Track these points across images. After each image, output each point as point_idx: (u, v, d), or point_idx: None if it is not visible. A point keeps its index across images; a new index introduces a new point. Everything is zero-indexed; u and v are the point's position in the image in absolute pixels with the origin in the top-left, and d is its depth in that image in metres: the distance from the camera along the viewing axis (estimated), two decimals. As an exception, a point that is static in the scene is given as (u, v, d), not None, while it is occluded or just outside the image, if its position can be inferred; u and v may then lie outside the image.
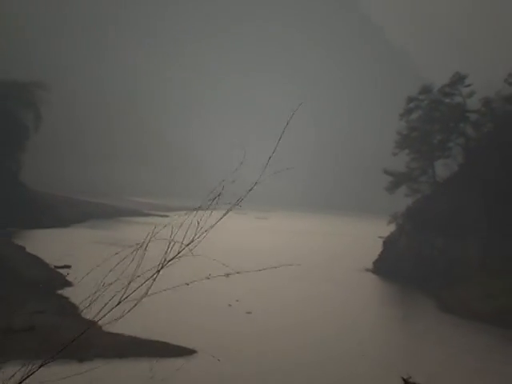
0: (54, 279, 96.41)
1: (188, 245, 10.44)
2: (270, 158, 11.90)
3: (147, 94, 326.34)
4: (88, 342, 56.72)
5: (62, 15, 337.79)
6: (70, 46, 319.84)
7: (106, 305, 10.15)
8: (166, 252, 10.49)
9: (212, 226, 10.61)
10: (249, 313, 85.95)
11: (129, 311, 10.37)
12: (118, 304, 10.53)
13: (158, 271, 10.63)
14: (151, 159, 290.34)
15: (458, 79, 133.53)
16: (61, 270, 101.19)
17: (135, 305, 10.30)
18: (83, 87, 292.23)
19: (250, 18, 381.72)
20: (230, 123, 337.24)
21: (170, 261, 10.61)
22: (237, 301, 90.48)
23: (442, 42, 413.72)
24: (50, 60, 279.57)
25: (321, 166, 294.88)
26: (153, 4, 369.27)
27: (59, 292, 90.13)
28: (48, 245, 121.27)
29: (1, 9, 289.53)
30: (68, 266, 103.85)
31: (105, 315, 10.52)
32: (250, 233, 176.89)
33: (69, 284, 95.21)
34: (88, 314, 10.90)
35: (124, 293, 10.50)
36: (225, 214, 11.49)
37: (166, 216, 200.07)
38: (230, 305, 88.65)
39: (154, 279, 10.62)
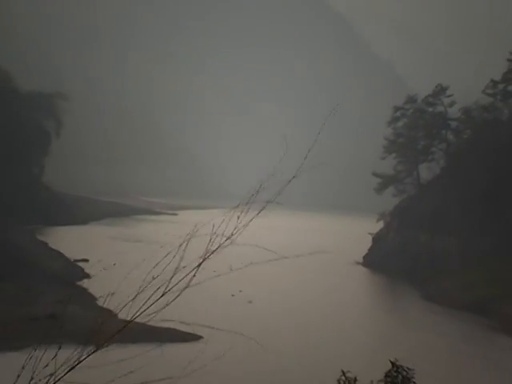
0: (73, 272, 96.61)
1: (228, 238, 10.52)
2: (308, 151, 12.03)
3: (158, 104, 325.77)
4: (104, 329, 56.82)
5: (80, 33, 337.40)
6: (86, 60, 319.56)
7: (150, 297, 10.17)
8: (208, 245, 10.57)
9: (250, 221, 10.72)
10: (250, 302, 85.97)
11: (173, 300, 10.41)
12: (162, 295, 10.56)
13: (201, 263, 10.65)
14: (161, 163, 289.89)
15: (440, 90, 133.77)
16: (81, 263, 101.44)
17: (178, 295, 10.33)
18: (99, 97, 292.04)
19: (255, 40, 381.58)
20: (231, 128, 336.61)
21: (212, 252, 10.69)
22: (239, 291, 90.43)
23: (425, 57, 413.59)
24: (69, 73, 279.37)
25: (317, 171, 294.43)
26: (165, 23, 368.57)
27: (78, 283, 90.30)
28: (68, 240, 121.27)
29: (26, 25, 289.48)
30: (86, 260, 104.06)
31: (150, 306, 10.53)
32: (253, 228, 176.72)
33: (87, 276, 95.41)
34: (133, 307, 10.90)
35: (167, 285, 10.54)
36: (261, 210, 11.53)
37: (175, 214, 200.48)
38: (232, 295, 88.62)
39: (196, 271, 10.64)
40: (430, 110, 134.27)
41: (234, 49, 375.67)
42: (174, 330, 69.60)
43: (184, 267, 10.25)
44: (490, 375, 65.17)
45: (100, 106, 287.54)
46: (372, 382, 18.99)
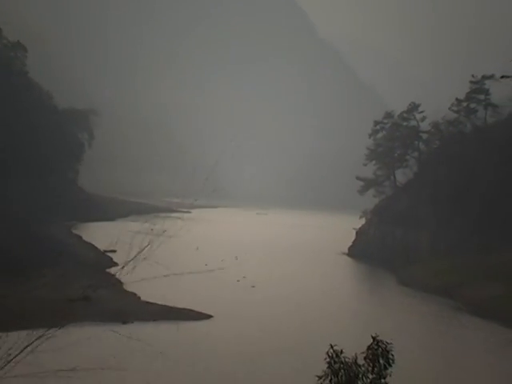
0: (103, 261, 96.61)
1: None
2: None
3: (173, 120, 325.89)
4: (129, 309, 56.73)
5: (108, 60, 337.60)
6: (114, 82, 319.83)
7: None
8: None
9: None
10: (253, 287, 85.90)
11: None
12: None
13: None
14: (177, 169, 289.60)
15: (413, 107, 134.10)
16: (109, 254, 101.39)
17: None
18: (126, 113, 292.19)
19: (251, 63, 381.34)
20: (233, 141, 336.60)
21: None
22: (244, 277, 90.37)
23: (401, 79, 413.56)
24: (99, 92, 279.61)
25: (308, 175, 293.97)
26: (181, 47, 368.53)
27: (108, 270, 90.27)
28: (99, 234, 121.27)
29: (63, 51, 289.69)
30: (114, 251, 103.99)
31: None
32: (254, 223, 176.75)
33: (115, 264, 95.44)
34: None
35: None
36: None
37: (189, 212, 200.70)
38: (238, 280, 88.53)
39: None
40: (405, 124, 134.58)
41: (235, 72, 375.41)
42: (189, 310, 69.70)
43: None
44: (455, 348, 65.25)
45: (126, 120, 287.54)
46: (356, 354, 18.91)
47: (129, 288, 78.78)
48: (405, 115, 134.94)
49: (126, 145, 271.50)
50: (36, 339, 8.09)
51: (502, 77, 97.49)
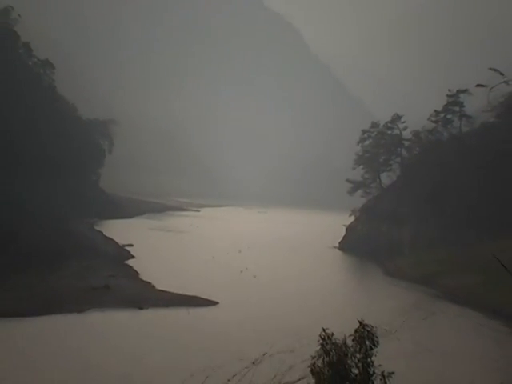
0: (122, 253, 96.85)
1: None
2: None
3: (185, 129, 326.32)
4: (145, 296, 56.86)
5: (127, 74, 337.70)
6: (132, 94, 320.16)
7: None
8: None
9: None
10: (254, 277, 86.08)
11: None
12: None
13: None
14: (188, 173, 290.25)
15: (397, 118, 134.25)
16: (128, 248, 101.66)
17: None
18: (142, 123, 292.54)
19: (253, 80, 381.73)
20: (238, 148, 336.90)
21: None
22: (246, 268, 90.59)
23: (386, 94, 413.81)
24: (119, 104, 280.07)
25: (304, 177, 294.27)
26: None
27: (125, 262, 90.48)
28: (118, 230, 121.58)
29: (85, 67, 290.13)
30: (131, 245, 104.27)
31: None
32: (256, 220, 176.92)
33: (132, 257, 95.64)
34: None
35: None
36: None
37: (198, 211, 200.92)
38: (241, 271, 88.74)
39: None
40: (389, 132, 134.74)
41: (239, 88, 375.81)
42: (198, 297, 69.83)
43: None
44: (435, 332, 65.33)
45: (142, 129, 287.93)
46: (345, 336, 19.00)
47: (144, 278, 79.16)
48: (389, 125, 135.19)
49: (141, 151, 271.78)
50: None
51: (477, 85, 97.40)
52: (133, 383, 41.62)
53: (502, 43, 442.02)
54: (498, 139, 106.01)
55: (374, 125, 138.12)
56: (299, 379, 9.54)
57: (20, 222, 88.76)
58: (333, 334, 19.02)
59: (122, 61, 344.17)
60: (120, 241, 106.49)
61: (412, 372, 43.78)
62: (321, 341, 19.45)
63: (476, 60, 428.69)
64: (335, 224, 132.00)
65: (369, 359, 18.97)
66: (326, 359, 19.05)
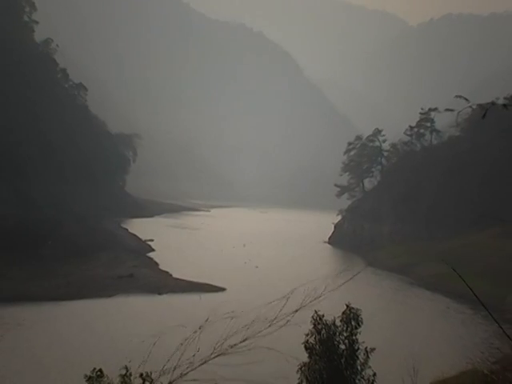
0: (144, 247, 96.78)
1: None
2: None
3: (198, 140, 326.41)
4: (163, 284, 56.43)
5: (148, 93, 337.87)
6: (153, 111, 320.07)
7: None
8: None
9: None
10: (256, 267, 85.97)
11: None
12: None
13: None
14: (200, 178, 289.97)
15: (377, 132, 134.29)
16: (149, 242, 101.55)
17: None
18: (161, 136, 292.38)
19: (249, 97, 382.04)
20: (243, 155, 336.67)
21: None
22: (249, 260, 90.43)
23: (368, 111, 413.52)
24: (141, 120, 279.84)
25: (299, 182, 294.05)
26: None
27: (147, 255, 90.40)
28: (140, 227, 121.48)
29: (113, 87, 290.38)
30: (152, 240, 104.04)
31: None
32: (257, 219, 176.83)
33: (152, 250, 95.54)
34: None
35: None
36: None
37: (209, 211, 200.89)
38: (245, 262, 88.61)
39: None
40: (371, 144, 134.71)
41: (243, 106, 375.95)
42: (208, 284, 69.75)
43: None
44: (410, 314, 65.25)
45: (161, 141, 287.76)
46: (334, 317, 18.89)
47: (163, 268, 79.08)
48: (371, 138, 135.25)
49: (160, 160, 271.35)
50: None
51: (446, 110, 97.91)
52: (152, 354, 41.50)
53: (468, 67, 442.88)
54: (463, 150, 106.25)
55: (358, 138, 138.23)
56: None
57: (60, 221, 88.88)
58: (323, 316, 18.92)
59: (142, 82, 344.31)
60: (142, 236, 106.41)
61: (391, 345, 43.70)
62: (313, 321, 19.37)
63: (446, 81, 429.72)
64: (325, 222, 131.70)
65: (354, 337, 18.91)
66: (318, 337, 18.99)
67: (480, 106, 6.44)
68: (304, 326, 19.63)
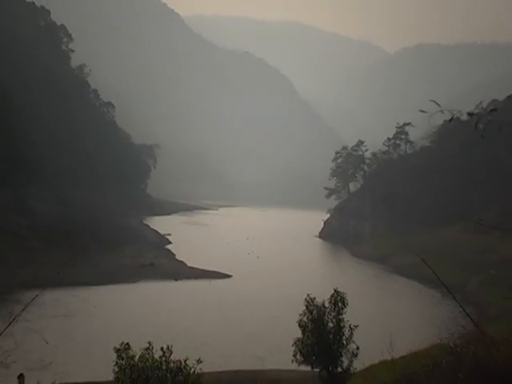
0: (163, 240, 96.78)
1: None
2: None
3: (209, 149, 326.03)
4: (178, 272, 56.33)
5: (167, 109, 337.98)
6: (170, 125, 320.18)
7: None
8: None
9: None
10: (258, 257, 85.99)
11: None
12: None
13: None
14: (210, 181, 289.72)
15: (360, 143, 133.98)
16: (166, 236, 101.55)
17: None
18: (179, 146, 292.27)
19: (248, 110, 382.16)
20: (246, 161, 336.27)
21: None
22: (252, 251, 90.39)
23: (352, 125, 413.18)
24: (161, 132, 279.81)
25: (294, 185, 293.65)
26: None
27: (165, 247, 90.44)
28: (160, 224, 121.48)
29: (137, 103, 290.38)
30: (169, 234, 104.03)
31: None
32: (258, 217, 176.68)
33: (170, 243, 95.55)
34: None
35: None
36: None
37: (217, 210, 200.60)
38: (248, 253, 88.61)
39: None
40: (355, 153, 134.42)
41: (247, 123, 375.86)
42: (217, 272, 69.79)
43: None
44: (388, 296, 65.22)
45: (178, 151, 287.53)
46: (324, 301, 18.94)
47: (179, 258, 79.17)
48: (355, 148, 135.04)
49: (176, 166, 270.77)
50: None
51: (420, 110, 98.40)
52: (170, 328, 41.57)
53: (436, 87, 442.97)
54: (433, 158, 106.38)
55: (344, 148, 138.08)
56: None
57: (91, 218, 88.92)
58: (315, 299, 18.96)
59: (162, 101, 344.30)
60: (161, 231, 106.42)
61: (372, 322, 43.66)
62: (306, 303, 19.42)
63: (418, 99, 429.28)
64: (316, 220, 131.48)
65: (340, 316, 18.98)
66: (310, 316, 19.07)
67: (446, 122, 6.51)
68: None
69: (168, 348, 12.37)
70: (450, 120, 6.04)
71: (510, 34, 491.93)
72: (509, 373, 7.48)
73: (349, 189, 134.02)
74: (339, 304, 18.96)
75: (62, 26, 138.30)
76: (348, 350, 18.82)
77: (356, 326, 18.90)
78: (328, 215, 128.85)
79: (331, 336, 18.86)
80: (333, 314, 18.95)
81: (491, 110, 6.16)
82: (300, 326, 19.27)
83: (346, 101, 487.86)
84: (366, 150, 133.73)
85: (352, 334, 18.82)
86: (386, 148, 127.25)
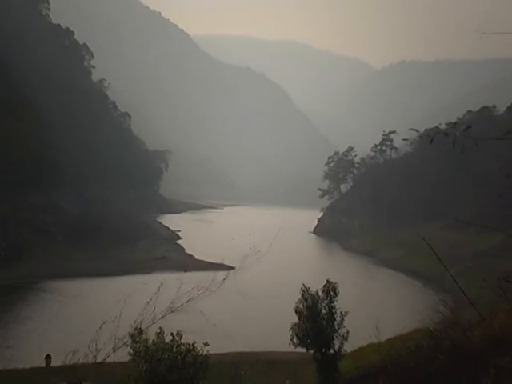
0: (173, 236, 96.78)
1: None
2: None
3: (216, 154, 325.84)
4: (187, 264, 56.31)
5: (177, 118, 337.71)
6: (180, 132, 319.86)
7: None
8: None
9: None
10: (259, 251, 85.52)
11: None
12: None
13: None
14: (216, 183, 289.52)
15: (350, 149, 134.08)
16: (177, 232, 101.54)
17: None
18: (187, 151, 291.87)
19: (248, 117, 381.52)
20: (248, 166, 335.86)
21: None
22: (253, 245, 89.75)
23: (343, 133, 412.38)
24: (173, 139, 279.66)
25: (292, 187, 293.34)
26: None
27: (176, 242, 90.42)
28: (171, 221, 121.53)
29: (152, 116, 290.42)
30: (179, 230, 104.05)
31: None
32: (260, 215, 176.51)
33: (180, 238, 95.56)
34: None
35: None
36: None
37: (222, 208, 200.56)
38: (250, 247, 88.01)
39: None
40: (345, 158, 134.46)
41: (251, 129, 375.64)
42: (222, 264, 69.76)
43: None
44: (376, 287, 65.11)
45: (187, 156, 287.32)
46: (317, 290, 18.91)
47: (188, 252, 79.14)
48: (345, 153, 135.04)
49: (186, 169, 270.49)
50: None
51: (403, 139, 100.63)
52: (182, 312, 41.49)
53: (418, 100, 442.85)
54: (415, 163, 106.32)
55: (336, 153, 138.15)
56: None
57: (109, 216, 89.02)
58: (309, 288, 18.93)
59: (173, 111, 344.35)
60: (172, 227, 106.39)
61: (361, 309, 43.64)
62: (301, 292, 19.39)
63: (402, 110, 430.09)
64: (311, 217, 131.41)
65: (332, 304, 18.95)
66: (305, 304, 19.04)
67: (427, 130, 6.58)
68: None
69: (178, 333, 12.37)
70: (431, 142, 6.12)
71: (482, 52, 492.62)
72: (481, 352, 7.53)
73: (340, 190, 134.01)
74: (331, 293, 18.93)
75: (84, 44, 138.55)
76: (339, 334, 18.78)
77: (346, 313, 18.86)
78: (321, 213, 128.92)
79: (324, 321, 18.82)
80: (325, 302, 18.91)
81: (466, 128, 6.19)
82: (296, 312, 19.23)
83: (338, 111, 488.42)
84: (356, 155, 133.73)
85: (343, 319, 18.79)
86: (374, 153, 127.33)
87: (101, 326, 7.60)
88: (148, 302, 9.04)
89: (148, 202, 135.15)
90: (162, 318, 8.92)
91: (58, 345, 30.73)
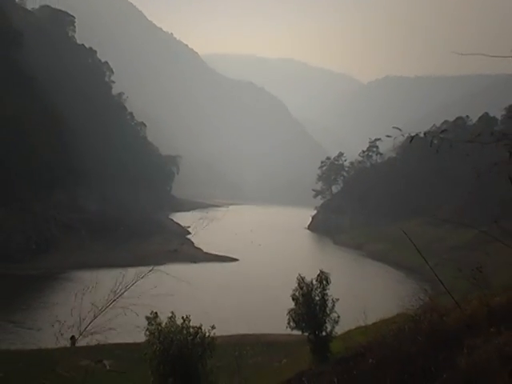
0: (184, 232, 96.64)
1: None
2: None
3: (220, 158, 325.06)
4: (196, 256, 56.18)
5: (188, 126, 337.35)
6: (188, 138, 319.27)
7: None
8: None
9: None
10: (259, 245, 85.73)
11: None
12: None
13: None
14: (221, 185, 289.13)
15: (340, 154, 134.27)
16: (187, 228, 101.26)
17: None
18: (196, 155, 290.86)
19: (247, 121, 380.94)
20: (248, 168, 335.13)
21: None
22: (255, 240, 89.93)
23: (334, 140, 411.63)
24: (182, 144, 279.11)
25: (289, 188, 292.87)
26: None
27: (186, 236, 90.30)
28: (181, 218, 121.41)
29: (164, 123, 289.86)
30: (189, 226, 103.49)
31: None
32: (261, 213, 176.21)
33: (189, 233, 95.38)
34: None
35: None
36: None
37: (228, 207, 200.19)
38: (251, 242, 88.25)
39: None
40: (336, 162, 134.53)
41: (253, 136, 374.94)
42: (227, 256, 69.79)
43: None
44: (363, 277, 65.05)
45: (196, 160, 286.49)
46: (312, 279, 18.88)
47: (197, 246, 79.08)
48: (336, 158, 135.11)
49: (194, 172, 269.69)
50: (149, 271, 7.83)
51: (387, 136, 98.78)
52: (192, 298, 41.56)
53: (401, 111, 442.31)
54: (398, 167, 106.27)
55: (328, 158, 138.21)
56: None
57: (127, 214, 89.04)
58: (304, 278, 18.90)
59: (183, 120, 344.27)
60: (183, 224, 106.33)
61: (350, 296, 43.57)
62: (297, 281, 19.36)
63: (386, 120, 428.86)
64: (305, 215, 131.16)
65: (325, 291, 18.94)
66: (300, 291, 19.03)
67: (410, 136, 6.66)
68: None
69: (187, 317, 12.37)
70: (411, 141, 6.18)
71: (456, 69, 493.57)
72: (456, 334, 7.55)
73: (332, 190, 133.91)
74: (324, 282, 18.91)
75: (106, 62, 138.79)
76: (331, 318, 18.77)
77: (337, 299, 18.84)
78: (315, 211, 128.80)
79: (317, 307, 18.81)
80: (319, 290, 18.90)
81: (443, 131, 6.23)
82: (293, 299, 19.21)
83: (329, 120, 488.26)
84: (345, 160, 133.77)
85: (334, 305, 18.78)
86: (361, 158, 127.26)
87: (112, 302, 7.33)
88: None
89: (161, 201, 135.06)
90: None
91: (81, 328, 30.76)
